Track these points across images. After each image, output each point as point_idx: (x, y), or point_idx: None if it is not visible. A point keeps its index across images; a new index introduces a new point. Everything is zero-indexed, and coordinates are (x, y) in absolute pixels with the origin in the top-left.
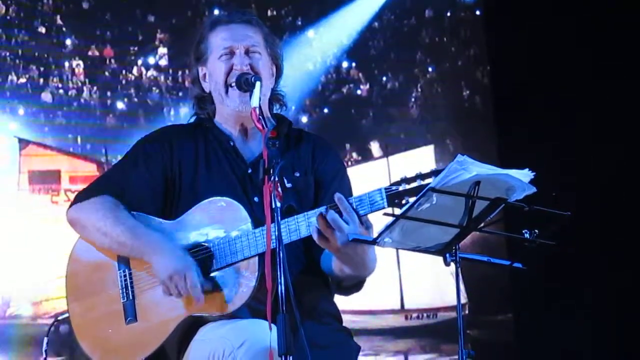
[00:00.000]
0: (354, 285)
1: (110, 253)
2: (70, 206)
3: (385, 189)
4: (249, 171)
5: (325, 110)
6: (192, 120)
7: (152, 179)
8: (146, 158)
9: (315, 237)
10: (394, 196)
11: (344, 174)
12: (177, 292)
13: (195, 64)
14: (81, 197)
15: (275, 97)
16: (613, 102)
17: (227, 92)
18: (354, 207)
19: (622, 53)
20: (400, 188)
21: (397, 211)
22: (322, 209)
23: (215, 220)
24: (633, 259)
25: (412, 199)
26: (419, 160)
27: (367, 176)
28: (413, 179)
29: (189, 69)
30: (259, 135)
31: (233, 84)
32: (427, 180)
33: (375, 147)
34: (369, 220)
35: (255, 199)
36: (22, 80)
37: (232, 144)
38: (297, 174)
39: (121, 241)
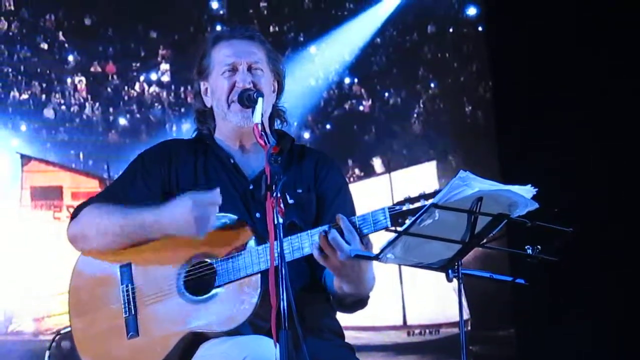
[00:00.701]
0: (356, 302)
1: (113, 268)
2: (69, 223)
3: (389, 208)
4: (251, 187)
5: (328, 126)
6: (193, 135)
7: (150, 193)
8: (145, 173)
9: (315, 254)
10: (397, 216)
11: (346, 191)
12: (208, 222)
13: (198, 78)
14: (77, 211)
15: (277, 113)
16: (616, 118)
17: (229, 107)
18: (357, 226)
19: (625, 68)
20: (404, 208)
21: (399, 228)
22: (325, 227)
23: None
24: (636, 275)
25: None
26: (422, 176)
27: (370, 192)
28: (417, 199)
29: (192, 83)
30: (260, 152)
31: (235, 100)
32: (430, 201)
33: (377, 163)
34: (370, 239)
35: (257, 215)
36: (25, 96)
37: (232, 161)
38: (300, 190)
39: (123, 230)
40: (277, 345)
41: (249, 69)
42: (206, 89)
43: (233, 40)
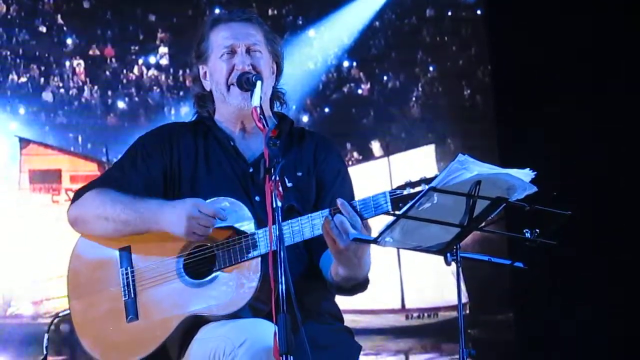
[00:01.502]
0: (356, 285)
1: (113, 251)
2: (70, 205)
3: (390, 192)
4: (250, 170)
5: (326, 110)
6: (193, 118)
7: (151, 176)
8: (145, 156)
9: (325, 235)
10: (398, 200)
11: (345, 174)
12: (202, 232)
13: (196, 62)
14: (79, 194)
15: (276, 95)
16: (614, 100)
17: (228, 90)
18: (358, 210)
19: (624, 52)
20: (405, 192)
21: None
22: (327, 211)
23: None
24: (634, 258)
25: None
26: (420, 159)
27: (368, 175)
28: (417, 183)
29: (190, 67)
30: (260, 135)
31: (234, 83)
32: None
33: (376, 147)
34: (368, 223)
35: (257, 198)
36: (23, 79)
37: (232, 143)
38: (300, 173)
39: (124, 219)
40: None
41: (248, 51)
42: (205, 72)
43: (231, 22)
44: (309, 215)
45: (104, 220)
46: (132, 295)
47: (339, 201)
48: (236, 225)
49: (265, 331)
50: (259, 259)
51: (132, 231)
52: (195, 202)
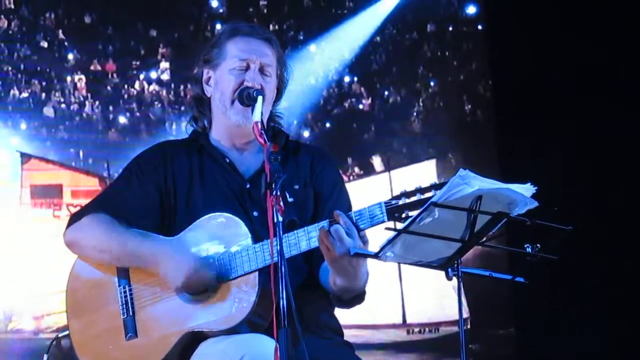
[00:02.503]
0: (353, 298)
1: (110, 269)
2: (67, 228)
3: (385, 203)
4: (248, 186)
5: (327, 125)
6: (189, 124)
7: (146, 196)
8: (140, 175)
9: (320, 244)
10: (393, 210)
11: (342, 186)
12: (195, 290)
13: (203, 65)
14: (76, 217)
15: (273, 119)
16: (617, 117)
17: (232, 104)
18: (354, 221)
19: (623, 66)
20: (400, 202)
21: (398, 225)
22: (325, 223)
23: (215, 236)
24: (637, 273)
25: (412, 213)
26: (421, 174)
27: (369, 190)
28: (413, 193)
29: (196, 67)
30: (255, 150)
31: (236, 99)
32: (426, 194)
33: (377, 162)
34: (366, 235)
35: (255, 213)
36: (24, 94)
37: (227, 160)
38: (297, 187)
39: (116, 256)
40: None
41: (261, 69)
42: (209, 77)
43: (251, 37)
44: (305, 227)
45: (99, 252)
46: (131, 313)
47: (336, 212)
48: (233, 240)
49: (264, 346)
50: (257, 273)
51: (125, 265)
52: (198, 266)
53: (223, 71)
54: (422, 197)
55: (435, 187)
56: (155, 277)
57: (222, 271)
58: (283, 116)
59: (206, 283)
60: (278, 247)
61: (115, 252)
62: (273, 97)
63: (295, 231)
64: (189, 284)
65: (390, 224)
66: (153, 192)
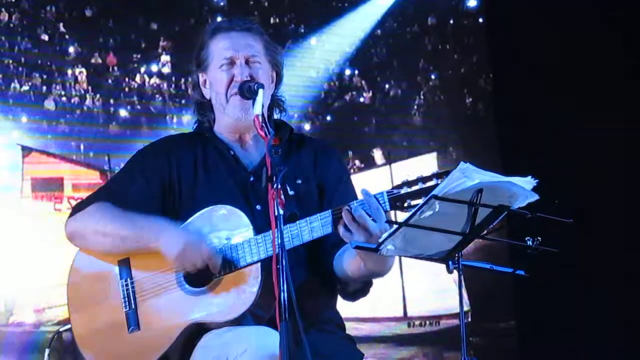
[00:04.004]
0: (360, 289)
1: (112, 262)
2: (69, 218)
3: (387, 192)
4: (251, 179)
5: (328, 118)
6: (194, 126)
7: (149, 189)
8: (144, 168)
9: (341, 232)
10: (395, 199)
11: (347, 178)
12: (191, 264)
13: (196, 70)
14: (79, 207)
15: (276, 103)
16: (617, 109)
17: (228, 101)
18: (380, 203)
19: (625, 58)
20: (402, 191)
21: (400, 215)
22: (327, 213)
23: (217, 228)
24: (637, 266)
25: (414, 202)
26: (422, 167)
27: (370, 184)
28: (415, 182)
29: (190, 75)
30: (259, 144)
31: (235, 93)
32: (428, 183)
33: (378, 155)
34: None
35: (258, 207)
36: (25, 87)
37: (232, 153)
38: (299, 181)
39: (122, 235)
40: (276, 333)
41: (247, 62)
42: (205, 80)
43: (231, 32)
44: (307, 218)
45: (101, 236)
46: (133, 306)
47: (363, 190)
48: (235, 232)
49: (267, 338)
50: (259, 264)
51: (129, 248)
52: (199, 238)
53: (213, 71)
54: (424, 186)
55: (436, 176)
56: (157, 269)
57: (224, 262)
58: (285, 100)
59: (204, 257)
60: (279, 241)
61: (121, 233)
62: (269, 83)
63: (297, 222)
64: (185, 255)
65: (391, 213)
66: (156, 186)
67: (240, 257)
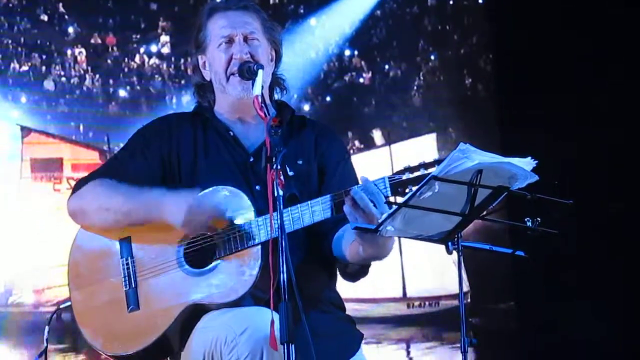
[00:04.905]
0: (359, 270)
1: (113, 241)
2: (71, 195)
3: (389, 177)
4: (251, 160)
5: (328, 99)
6: (194, 108)
7: (150, 167)
8: (144, 147)
9: (346, 210)
10: (397, 185)
11: (348, 161)
12: (198, 224)
13: (195, 52)
14: (79, 185)
15: (276, 82)
16: (615, 89)
17: (227, 80)
18: (380, 188)
19: (624, 40)
20: (404, 177)
21: (400, 199)
22: (328, 197)
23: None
24: (636, 247)
25: (415, 188)
26: (421, 148)
27: (369, 164)
28: (416, 168)
29: (190, 57)
30: (259, 124)
31: (235, 73)
32: (430, 170)
33: (377, 135)
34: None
35: (257, 187)
36: (25, 68)
37: (231, 133)
38: (300, 162)
39: (125, 209)
40: (276, 314)
41: (245, 39)
42: (204, 62)
43: (228, 11)
44: (308, 202)
45: (104, 211)
46: (133, 285)
47: (362, 177)
48: (236, 214)
49: (266, 319)
50: (260, 246)
51: (132, 222)
52: (202, 199)
53: (212, 52)
54: (426, 172)
55: (438, 162)
56: (159, 248)
57: (225, 244)
58: (285, 78)
59: (208, 213)
60: (279, 221)
61: (123, 207)
62: (268, 61)
63: (298, 205)
64: (190, 216)
65: (391, 198)
66: (156, 164)
67: (240, 239)
